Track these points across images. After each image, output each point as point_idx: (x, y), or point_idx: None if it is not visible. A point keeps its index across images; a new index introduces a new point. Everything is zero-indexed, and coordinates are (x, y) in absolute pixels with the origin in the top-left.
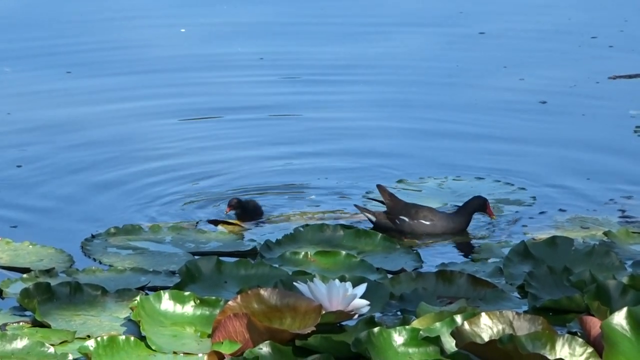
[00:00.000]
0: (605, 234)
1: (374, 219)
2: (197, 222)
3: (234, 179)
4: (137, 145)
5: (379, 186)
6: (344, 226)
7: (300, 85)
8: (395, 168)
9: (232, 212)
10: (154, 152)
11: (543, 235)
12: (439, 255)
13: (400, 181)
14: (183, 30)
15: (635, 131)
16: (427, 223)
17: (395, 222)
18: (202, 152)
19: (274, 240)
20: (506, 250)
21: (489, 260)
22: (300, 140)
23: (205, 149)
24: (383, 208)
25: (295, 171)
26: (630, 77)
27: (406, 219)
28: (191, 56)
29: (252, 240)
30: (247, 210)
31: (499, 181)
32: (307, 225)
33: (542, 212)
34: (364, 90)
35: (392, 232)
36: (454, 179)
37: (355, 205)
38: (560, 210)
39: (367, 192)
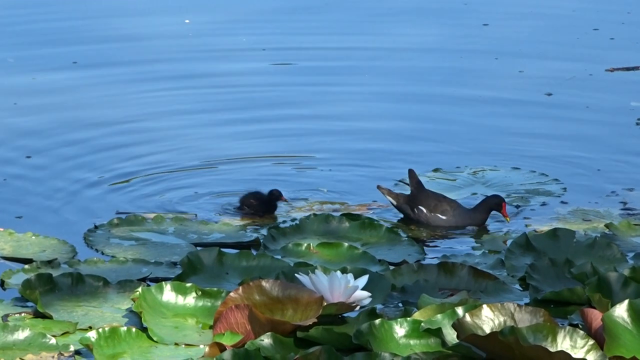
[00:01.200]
0: (606, 226)
1: (394, 202)
2: (196, 214)
3: (244, 173)
4: (145, 137)
5: (410, 171)
6: (349, 217)
7: (314, 76)
8: (430, 156)
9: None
10: (161, 145)
11: (544, 227)
12: (442, 247)
13: (436, 170)
14: (187, 21)
15: (638, 123)
16: (443, 217)
17: (413, 211)
18: (215, 148)
19: (277, 232)
20: (508, 242)
21: (491, 253)
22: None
23: (220, 143)
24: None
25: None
26: (628, 69)
27: (424, 210)
28: (199, 47)
29: (256, 231)
30: (267, 202)
31: (534, 172)
32: (314, 215)
33: (543, 204)
34: (369, 82)
35: (410, 219)
36: (490, 169)
37: (378, 187)
38: (562, 202)
39: (400, 180)
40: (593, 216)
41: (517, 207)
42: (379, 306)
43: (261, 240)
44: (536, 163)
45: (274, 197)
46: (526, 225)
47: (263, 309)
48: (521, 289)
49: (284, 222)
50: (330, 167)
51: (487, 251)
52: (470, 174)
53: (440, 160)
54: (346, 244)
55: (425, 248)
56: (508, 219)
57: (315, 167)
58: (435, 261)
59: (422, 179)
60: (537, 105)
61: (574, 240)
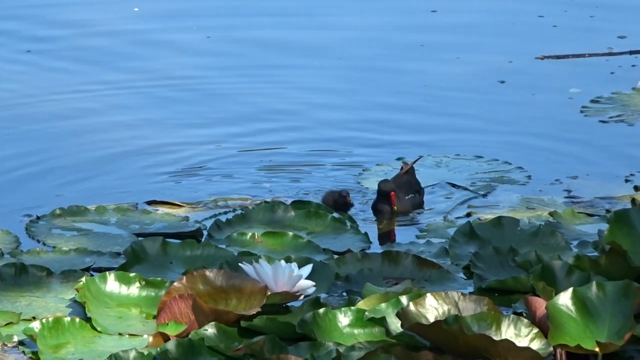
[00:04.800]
0: (550, 214)
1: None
2: (136, 204)
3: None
4: (89, 124)
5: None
6: (296, 206)
7: (252, 69)
8: (391, 146)
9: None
10: (107, 131)
11: (489, 215)
12: (388, 235)
13: (399, 159)
14: (136, 9)
15: (582, 111)
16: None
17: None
18: (165, 133)
19: (223, 221)
20: (452, 231)
21: (435, 241)
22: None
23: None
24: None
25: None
26: (558, 57)
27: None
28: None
29: (197, 221)
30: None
31: (497, 160)
32: (264, 202)
33: (487, 193)
34: (321, 71)
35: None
36: (453, 158)
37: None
38: (506, 190)
39: (364, 169)
40: (537, 204)
41: (485, 195)
42: (323, 295)
43: (204, 230)
44: (486, 150)
45: (342, 198)
46: (470, 214)
47: (207, 299)
48: (465, 277)
49: (226, 212)
50: (282, 161)
51: (431, 240)
52: (434, 162)
53: (401, 150)
54: (291, 234)
55: (370, 237)
56: (396, 207)
57: (274, 160)
58: (380, 249)
59: (385, 169)
60: (478, 93)
61: (518, 228)
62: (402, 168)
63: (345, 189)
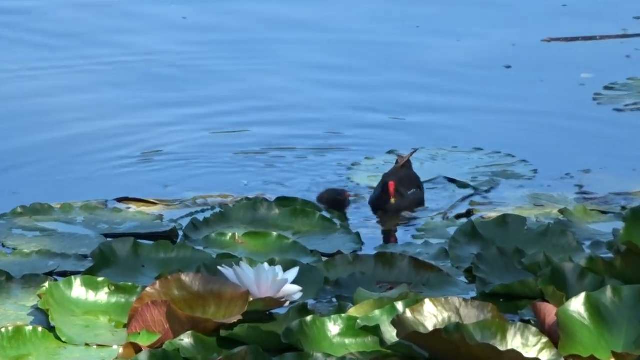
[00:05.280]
0: (561, 211)
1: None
2: (106, 201)
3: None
4: (48, 104)
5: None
6: (280, 203)
7: (233, 52)
8: (381, 138)
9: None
10: (67, 112)
11: (492, 213)
12: (380, 235)
13: (390, 152)
14: None
15: (595, 99)
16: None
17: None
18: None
19: (200, 220)
20: (452, 230)
21: (434, 242)
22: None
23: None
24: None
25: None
26: (567, 40)
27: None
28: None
29: (173, 221)
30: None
31: (499, 152)
32: (247, 199)
33: (491, 188)
34: (306, 57)
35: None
36: (450, 150)
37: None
38: (515, 187)
39: (353, 165)
40: (546, 201)
41: (487, 191)
42: (310, 301)
43: (179, 230)
44: (490, 142)
45: (341, 196)
46: (473, 212)
47: (183, 306)
48: (467, 281)
49: (204, 210)
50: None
51: (429, 240)
52: (429, 156)
53: (393, 142)
54: (275, 234)
55: (362, 237)
56: (393, 200)
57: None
58: (373, 251)
59: (376, 163)
60: (488, 80)
61: (525, 227)
62: (397, 162)
63: (343, 189)
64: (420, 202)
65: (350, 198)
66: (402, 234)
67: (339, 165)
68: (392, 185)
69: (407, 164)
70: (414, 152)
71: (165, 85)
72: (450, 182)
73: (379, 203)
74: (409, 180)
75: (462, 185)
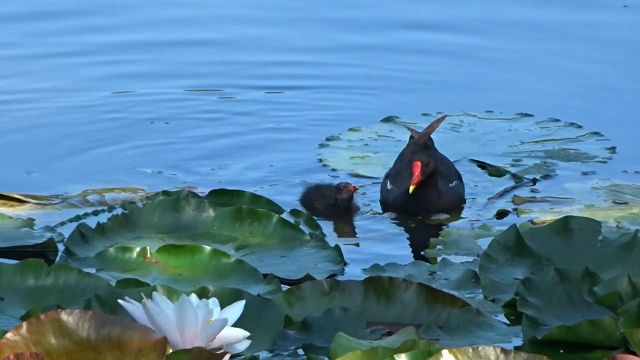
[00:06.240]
0: None
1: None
2: None
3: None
4: None
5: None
6: (217, 199)
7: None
8: (377, 101)
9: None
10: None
11: (547, 216)
12: (374, 249)
13: (387, 119)
14: None
15: None
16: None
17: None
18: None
19: (92, 227)
20: (485, 242)
21: (456, 259)
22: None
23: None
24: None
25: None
26: None
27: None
28: None
29: (49, 228)
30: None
31: (558, 120)
32: (165, 193)
33: (545, 177)
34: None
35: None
36: (481, 117)
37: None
38: (583, 173)
39: (327, 138)
40: (631, 196)
41: (534, 181)
42: (263, 355)
43: (59, 243)
44: (555, 108)
45: (340, 192)
46: (517, 212)
47: None
48: (508, 322)
49: (97, 212)
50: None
51: (448, 257)
52: (448, 124)
53: (394, 106)
54: (208, 248)
55: (345, 252)
56: (412, 187)
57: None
58: (362, 274)
59: (367, 135)
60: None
61: (600, 237)
62: (411, 137)
63: (345, 182)
64: (460, 200)
65: (358, 195)
66: (406, 248)
67: (305, 141)
68: (417, 165)
69: (429, 141)
70: (442, 119)
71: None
72: (481, 168)
73: (399, 199)
74: (446, 165)
75: (499, 173)
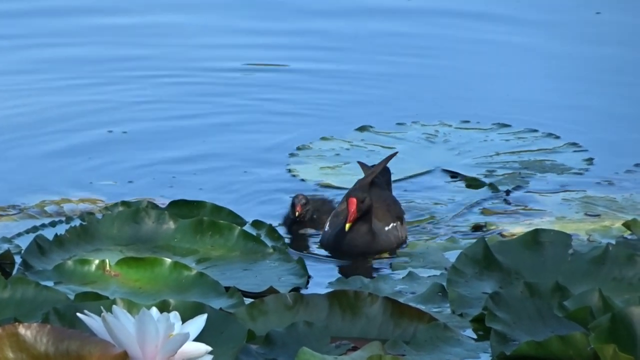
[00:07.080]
0: (627, 225)
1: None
2: None
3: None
4: None
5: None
6: (177, 211)
7: None
8: (355, 108)
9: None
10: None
11: (518, 227)
12: (338, 263)
13: (362, 129)
14: None
15: None
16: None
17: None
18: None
19: (49, 238)
20: (453, 255)
21: (423, 273)
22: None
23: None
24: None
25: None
26: None
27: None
28: None
29: (5, 239)
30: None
31: (535, 131)
32: (125, 204)
33: (517, 188)
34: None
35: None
36: (458, 127)
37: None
38: (556, 185)
39: (298, 148)
40: (604, 208)
41: (507, 192)
42: None
43: (16, 256)
44: (530, 117)
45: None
46: (485, 226)
47: None
48: (476, 337)
49: (55, 223)
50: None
51: (414, 271)
52: (422, 134)
53: (371, 115)
54: (169, 261)
55: (309, 265)
56: (348, 225)
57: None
58: (327, 288)
59: (339, 144)
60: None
61: (570, 251)
62: (366, 174)
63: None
64: (395, 244)
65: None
66: (373, 262)
67: (276, 148)
68: (352, 202)
69: (382, 175)
70: (392, 157)
71: None
72: (452, 177)
73: (331, 239)
74: (388, 206)
75: (471, 183)
